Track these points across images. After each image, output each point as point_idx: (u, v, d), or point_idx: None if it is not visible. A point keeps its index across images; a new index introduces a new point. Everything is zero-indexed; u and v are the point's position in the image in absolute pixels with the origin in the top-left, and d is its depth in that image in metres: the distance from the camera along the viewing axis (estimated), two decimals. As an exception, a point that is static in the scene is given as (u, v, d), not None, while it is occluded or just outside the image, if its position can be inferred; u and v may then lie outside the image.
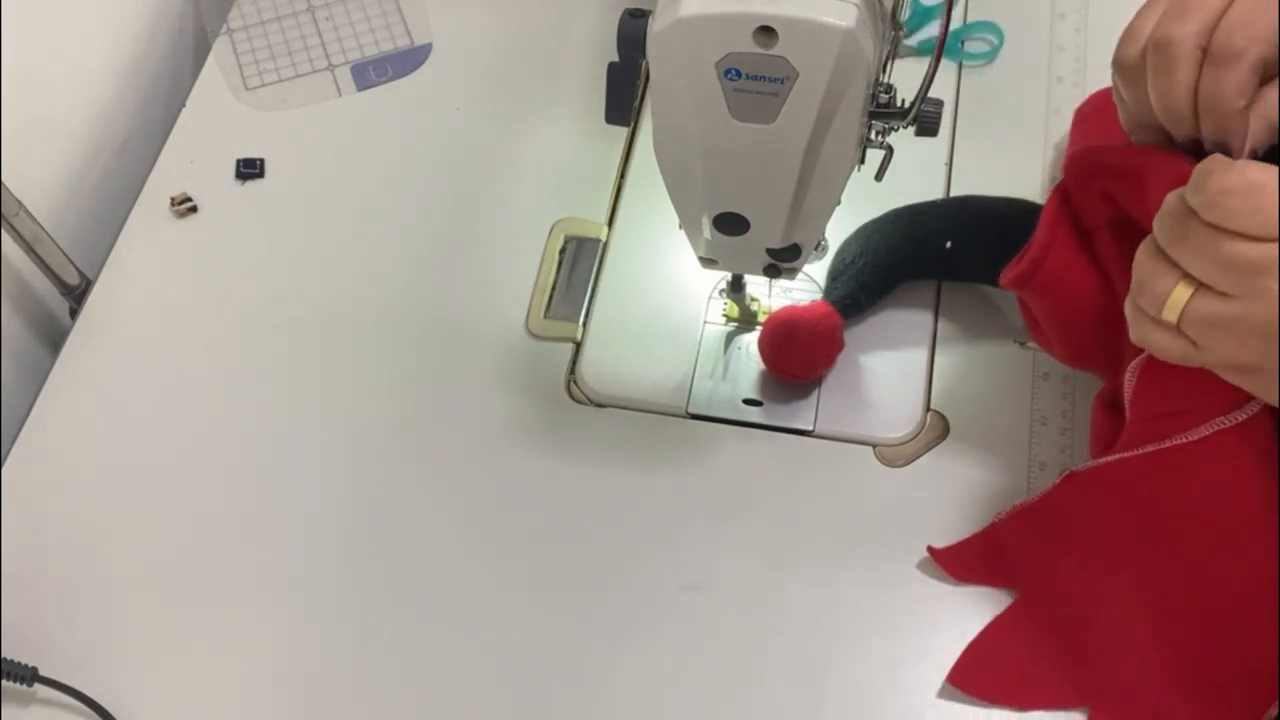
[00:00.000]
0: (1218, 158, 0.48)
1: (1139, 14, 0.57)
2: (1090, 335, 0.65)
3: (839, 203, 0.62)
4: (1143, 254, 0.52)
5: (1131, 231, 0.60)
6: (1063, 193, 0.63)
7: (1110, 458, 0.62)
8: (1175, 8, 0.54)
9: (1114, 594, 0.64)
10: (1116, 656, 0.63)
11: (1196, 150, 0.55)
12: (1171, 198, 0.50)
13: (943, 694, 0.65)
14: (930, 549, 0.68)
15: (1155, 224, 0.51)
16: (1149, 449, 0.60)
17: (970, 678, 0.64)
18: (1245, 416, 0.58)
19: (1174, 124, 0.55)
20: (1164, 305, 0.50)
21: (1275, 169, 0.48)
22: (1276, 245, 0.47)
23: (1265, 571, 0.59)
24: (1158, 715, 0.63)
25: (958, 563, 0.67)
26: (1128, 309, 0.53)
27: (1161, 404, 0.60)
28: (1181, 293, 0.50)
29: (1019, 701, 0.64)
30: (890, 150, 0.63)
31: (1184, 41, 0.53)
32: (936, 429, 0.73)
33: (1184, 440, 0.59)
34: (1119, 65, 0.57)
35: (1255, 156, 0.54)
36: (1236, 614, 0.61)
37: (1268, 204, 0.47)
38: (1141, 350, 0.60)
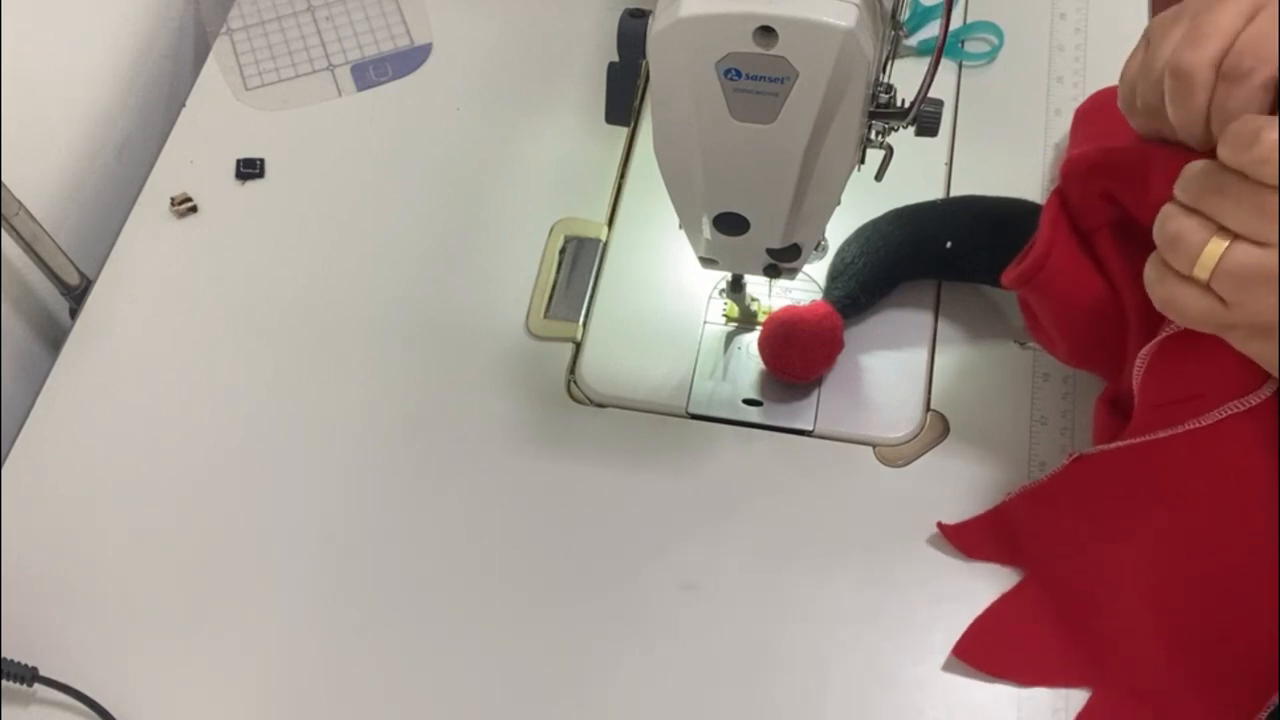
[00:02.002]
0: (1253, 116, 0.48)
1: (1153, 41, 0.57)
2: (1093, 335, 0.65)
3: (839, 203, 0.62)
4: (1169, 213, 0.51)
5: (1132, 232, 0.61)
6: (1061, 195, 0.63)
7: (1120, 443, 0.62)
8: (1191, 35, 0.54)
9: (1120, 576, 0.64)
10: (1121, 638, 0.64)
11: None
12: (1195, 162, 0.50)
13: (942, 692, 0.65)
14: (940, 524, 0.68)
15: (1179, 186, 0.51)
16: (1160, 434, 0.60)
17: (975, 651, 0.65)
18: (1257, 401, 0.58)
19: (1194, 142, 0.56)
20: (1197, 261, 0.50)
21: None
22: None
23: (1273, 557, 0.59)
24: (1160, 698, 0.63)
25: (967, 539, 0.68)
26: (1149, 273, 0.53)
27: (1171, 390, 0.60)
28: (1216, 246, 0.49)
29: (1023, 677, 0.65)
30: (890, 150, 0.63)
31: (1200, 70, 0.54)
32: (936, 429, 0.73)
33: (1195, 426, 0.59)
34: (1127, 103, 0.58)
35: None
36: (1243, 601, 0.61)
37: None
38: (1144, 344, 0.60)
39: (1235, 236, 0.49)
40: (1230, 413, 0.58)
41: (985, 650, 0.65)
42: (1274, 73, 0.53)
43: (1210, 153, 0.52)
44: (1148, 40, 0.58)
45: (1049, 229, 0.63)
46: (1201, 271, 0.50)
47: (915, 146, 0.64)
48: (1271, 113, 0.53)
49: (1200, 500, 0.61)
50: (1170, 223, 0.51)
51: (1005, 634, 0.66)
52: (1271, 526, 0.59)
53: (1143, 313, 0.60)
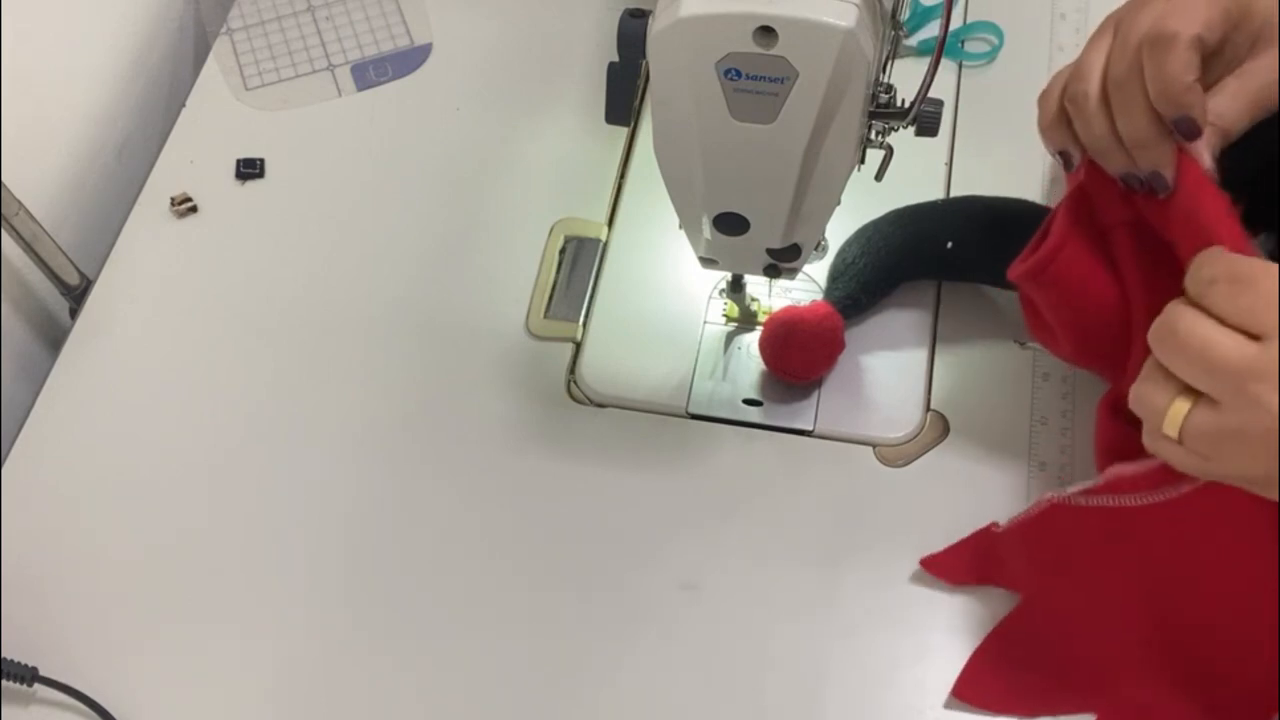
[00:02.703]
0: (1215, 249, 0.48)
1: (1088, 51, 0.58)
2: (1099, 333, 0.64)
3: (839, 203, 0.62)
4: (1142, 372, 0.50)
5: (1147, 234, 0.60)
6: (1080, 190, 0.63)
7: (1106, 500, 0.61)
8: (1120, 50, 0.55)
9: (1114, 611, 0.63)
10: (1119, 668, 0.63)
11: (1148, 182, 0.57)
12: (1167, 308, 0.49)
13: (942, 693, 0.65)
14: (922, 561, 0.67)
15: (1150, 334, 0.50)
16: (1148, 499, 0.59)
17: (975, 690, 0.64)
18: None
19: (1139, 146, 0.56)
20: (1164, 421, 0.49)
21: (1272, 265, 0.47)
22: (1261, 346, 0.46)
23: (1266, 600, 0.58)
24: (1164, 714, 0.63)
25: (949, 570, 0.67)
26: (1145, 425, 0.52)
27: None
28: (1180, 407, 0.48)
29: (1025, 710, 0.64)
30: (890, 150, 0.63)
31: (1137, 81, 0.55)
32: (936, 429, 0.73)
33: (1188, 489, 0.57)
34: (1076, 99, 0.58)
35: (1228, 139, 0.56)
36: (1236, 638, 0.60)
37: (1256, 299, 0.46)
38: (1148, 351, 0.60)
39: (1198, 397, 0.48)
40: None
41: (985, 688, 0.64)
42: (1199, 34, 0.53)
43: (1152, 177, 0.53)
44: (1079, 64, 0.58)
45: (1066, 221, 0.62)
46: (1170, 430, 0.49)
47: (915, 146, 0.64)
48: (1199, 74, 0.54)
49: (1193, 548, 0.60)
50: (1138, 384, 0.50)
51: (1002, 669, 0.64)
52: (1265, 571, 0.58)
53: (1149, 315, 0.59)
